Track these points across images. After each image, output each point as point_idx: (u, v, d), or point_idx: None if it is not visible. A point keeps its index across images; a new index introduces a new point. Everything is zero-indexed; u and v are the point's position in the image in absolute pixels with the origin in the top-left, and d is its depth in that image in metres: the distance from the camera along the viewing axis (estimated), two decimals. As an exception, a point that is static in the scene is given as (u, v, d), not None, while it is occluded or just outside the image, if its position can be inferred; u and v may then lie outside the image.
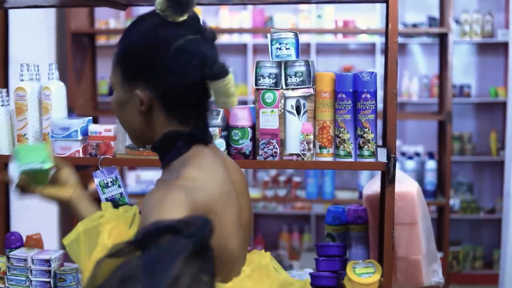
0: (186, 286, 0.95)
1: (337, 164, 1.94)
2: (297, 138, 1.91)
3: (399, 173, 2.13)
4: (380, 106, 1.95)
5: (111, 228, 1.40)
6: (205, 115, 1.37)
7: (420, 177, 4.37)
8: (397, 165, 1.94)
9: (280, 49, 1.91)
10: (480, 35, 5.30)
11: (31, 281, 1.96)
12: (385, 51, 1.96)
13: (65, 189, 1.48)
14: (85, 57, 4.46)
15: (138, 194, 4.75)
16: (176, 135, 1.31)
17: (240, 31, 5.40)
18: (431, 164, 4.42)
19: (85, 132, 2.01)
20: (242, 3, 2.76)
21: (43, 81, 2.08)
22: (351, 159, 1.90)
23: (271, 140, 1.92)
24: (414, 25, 5.26)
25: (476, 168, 5.60)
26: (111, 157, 1.99)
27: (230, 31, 5.32)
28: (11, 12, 2.83)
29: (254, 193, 4.75)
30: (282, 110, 1.91)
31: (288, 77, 1.90)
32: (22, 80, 2.04)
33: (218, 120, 1.94)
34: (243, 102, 5.38)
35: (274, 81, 1.91)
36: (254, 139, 1.94)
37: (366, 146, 1.88)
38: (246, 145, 1.94)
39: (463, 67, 5.56)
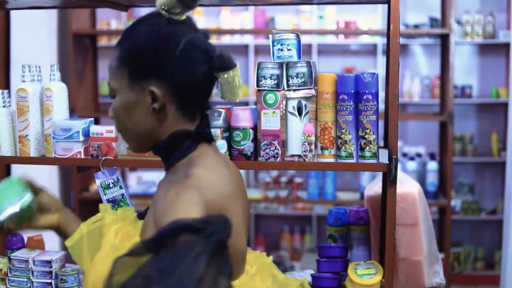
0: (208, 287, 0.94)
1: (339, 165, 1.94)
2: (298, 139, 1.91)
3: (400, 174, 2.13)
4: (381, 107, 1.94)
5: (117, 229, 1.40)
6: (208, 113, 1.37)
7: (421, 178, 4.37)
8: (399, 166, 1.94)
9: (281, 50, 1.91)
10: (481, 36, 5.29)
11: (32, 282, 1.96)
12: (387, 52, 1.96)
13: (51, 216, 1.47)
14: (86, 58, 4.46)
15: (140, 195, 4.76)
16: (183, 134, 1.31)
17: (242, 32, 5.39)
18: (432, 165, 4.41)
19: (86, 133, 2.01)
20: (244, 4, 2.76)
21: (45, 82, 2.08)
22: (353, 160, 1.90)
23: (273, 141, 1.92)
24: (416, 26, 5.25)
25: (477, 169, 5.59)
26: (112, 158, 1.99)
27: (231, 32, 5.32)
28: (13, 13, 2.84)
29: (256, 194, 4.74)
30: (284, 111, 1.91)
31: (290, 78, 1.90)
32: (24, 81, 2.04)
33: (219, 121, 1.93)
34: (245, 103, 5.38)
35: (275, 82, 1.91)
36: (255, 140, 1.94)
37: (367, 147, 1.88)
38: (247, 146, 1.94)
39: (465, 68, 5.55)
